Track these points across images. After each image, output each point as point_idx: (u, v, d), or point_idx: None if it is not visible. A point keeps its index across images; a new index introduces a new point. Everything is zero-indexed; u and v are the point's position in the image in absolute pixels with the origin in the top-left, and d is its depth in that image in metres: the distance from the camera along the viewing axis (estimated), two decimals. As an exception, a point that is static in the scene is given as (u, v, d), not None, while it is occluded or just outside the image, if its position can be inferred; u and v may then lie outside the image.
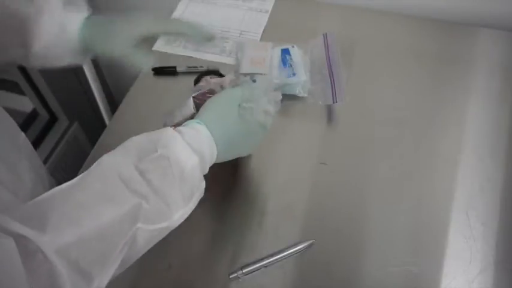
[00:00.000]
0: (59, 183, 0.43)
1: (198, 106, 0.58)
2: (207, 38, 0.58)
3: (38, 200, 0.38)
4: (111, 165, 0.41)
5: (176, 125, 0.51)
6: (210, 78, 0.67)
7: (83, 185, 0.40)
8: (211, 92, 0.60)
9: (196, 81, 0.75)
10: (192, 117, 0.57)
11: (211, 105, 0.51)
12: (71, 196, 0.39)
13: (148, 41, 0.56)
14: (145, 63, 0.54)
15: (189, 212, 0.46)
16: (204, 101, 0.54)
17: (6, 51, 0.55)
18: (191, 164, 0.45)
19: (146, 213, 0.41)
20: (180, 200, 0.44)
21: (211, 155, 0.49)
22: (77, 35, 0.54)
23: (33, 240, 0.34)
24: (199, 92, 0.61)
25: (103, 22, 0.55)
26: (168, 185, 0.43)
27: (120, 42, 0.53)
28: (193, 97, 0.60)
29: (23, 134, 0.63)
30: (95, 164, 0.42)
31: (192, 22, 0.57)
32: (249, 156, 0.70)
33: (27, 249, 0.33)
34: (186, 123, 0.49)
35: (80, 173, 0.43)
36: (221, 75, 0.76)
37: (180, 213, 0.45)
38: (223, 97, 0.53)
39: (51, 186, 0.69)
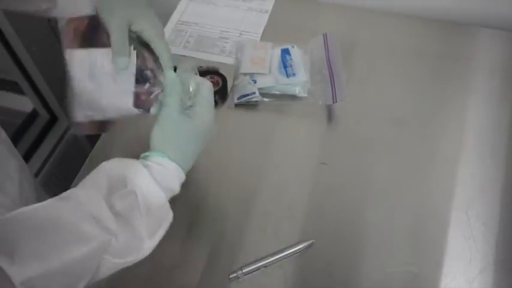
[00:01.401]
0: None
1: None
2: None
3: (7, 220, 0.38)
4: (84, 200, 0.42)
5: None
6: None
7: (53, 219, 0.40)
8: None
9: None
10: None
11: (163, 134, 0.49)
12: (40, 231, 0.39)
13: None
14: (122, 61, 0.52)
15: (156, 243, 0.46)
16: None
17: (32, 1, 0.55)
18: (158, 201, 0.45)
19: (115, 249, 0.42)
20: (145, 235, 0.44)
21: (180, 181, 0.49)
22: None
23: (3, 267, 0.35)
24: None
25: None
26: (135, 221, 0.43)
27: (120, 19, 0.53)
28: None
29: (3, 131, 0.63)
30: (67, 196, 0.42)
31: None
32: (249, 156, 0.70)
33: None
34: (149, 155, 0.47)
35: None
36: (220, 75, 0.76)
37: (146, 247, 0.45)
38: (168, 119, 0.50)
39: (36, 186, 0.69)
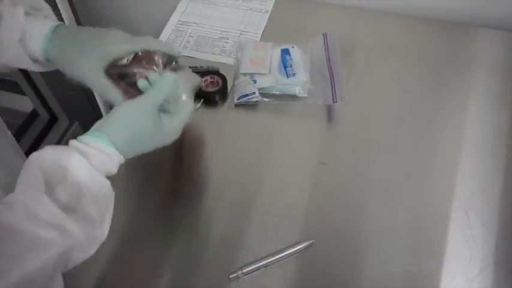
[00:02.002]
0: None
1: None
2: (174, 55, 0.57)
3: None
4: (27, 205, 0.39)
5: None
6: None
7: (7, 229, 0.38)
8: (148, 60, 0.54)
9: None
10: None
11: (125, 121, 0.47)
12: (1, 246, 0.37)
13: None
14: (115, 97, 0.52)
15: (108, 227, 0.45)
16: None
17: None
18: (104, 189, 0.44)
19: (78, 246, 0.41)
20: (98, 222, 0.43)
21: (120, 163, 0.47)
22: (40, 45, 0.52)
23: None
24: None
25: (72, 36, 0.53)
26: (87, 211, 0.42)
27: (89, 67, 0.51)
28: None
29: (9, 132, 0.62)
30: (11, 204, 0.39)
31: (161, 41, 0.56)
32: (249, 156, 0.70)
33: None
34: (92, 139, 0.45)
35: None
36: (220, 75, 0.76)
37: (101, 232, 0.44)
38: (141, 108, 0.48)
39: None
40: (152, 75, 0.52)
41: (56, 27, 0.53)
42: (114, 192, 0.45)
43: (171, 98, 0.51)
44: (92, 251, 0.43)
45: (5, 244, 0.37)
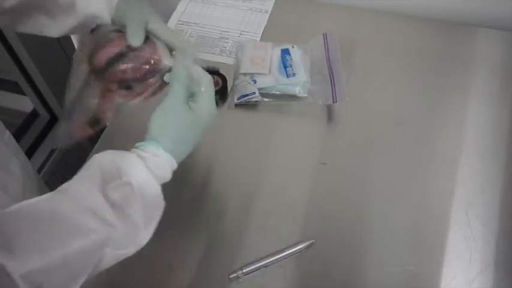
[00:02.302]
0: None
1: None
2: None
3: (7, 214, 0.38)
4: (80, 194, 0.42)
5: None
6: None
7: (52, 212, 0.40)
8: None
9: None
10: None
11: (163, 122, 0.49)
12: (40, 224, 0.39)
13: None
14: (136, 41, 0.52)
15: (152, 233, 0.46)
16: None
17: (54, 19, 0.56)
18: (154, 192, 0.45)
19: (114, 240, 0.42)
20: (143, 225, 0.44)
21: (172, 169, 0.48)
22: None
23: (1, 262, 0.35)
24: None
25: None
26: (133, 212, 0.43)
27: (136, 18, 0.53)
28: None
29: (7, 131, 0.63)
30: (63, 190, 0.42)
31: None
32: (249, 156, 0.70)
33: None
34: (144, 145, 0.47)
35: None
36: (220, 75, 0.76)
37: (143, 236, 0.45)
38: (171, 107, 0.49)
39: (39, 184, 0.69)
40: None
41: None
42: (164, 202, 0.46)
43: (190, 82, 0.51)
44: (129, 250, 0.44)
45: (48, 226, 0.39)
